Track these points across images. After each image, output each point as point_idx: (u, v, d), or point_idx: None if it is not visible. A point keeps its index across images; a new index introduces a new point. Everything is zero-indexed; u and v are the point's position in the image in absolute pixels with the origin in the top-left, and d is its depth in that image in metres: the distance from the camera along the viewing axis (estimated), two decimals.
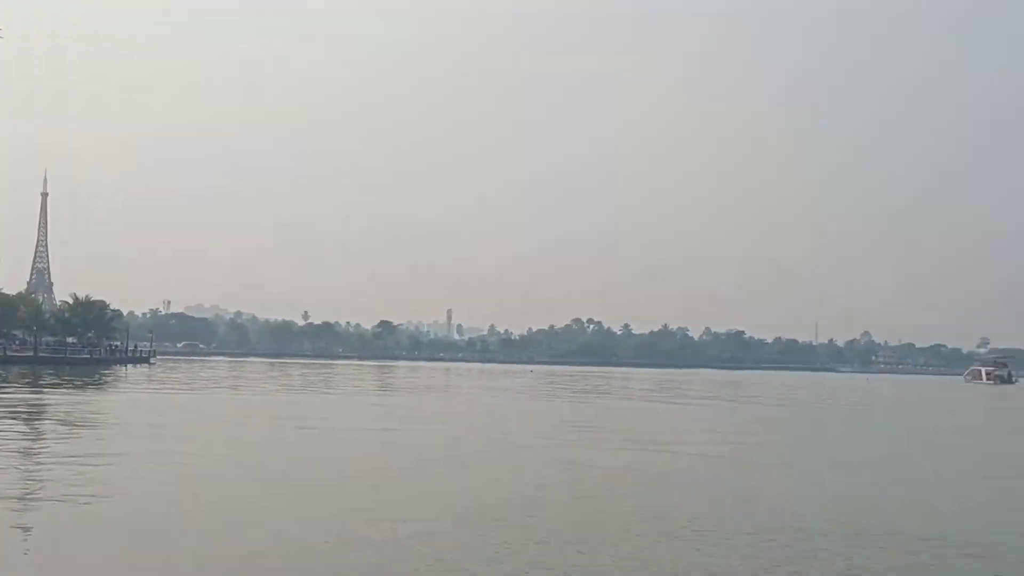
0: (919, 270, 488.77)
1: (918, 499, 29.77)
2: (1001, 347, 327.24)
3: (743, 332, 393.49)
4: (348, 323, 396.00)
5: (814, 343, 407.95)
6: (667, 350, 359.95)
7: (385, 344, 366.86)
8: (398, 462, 36.26)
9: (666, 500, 27.73)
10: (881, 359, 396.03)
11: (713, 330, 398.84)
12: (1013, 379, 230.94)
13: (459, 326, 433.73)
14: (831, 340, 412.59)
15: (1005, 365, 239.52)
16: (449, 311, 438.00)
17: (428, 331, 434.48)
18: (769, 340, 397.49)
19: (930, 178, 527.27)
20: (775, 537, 22.34)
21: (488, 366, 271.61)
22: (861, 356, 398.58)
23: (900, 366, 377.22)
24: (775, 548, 21.17)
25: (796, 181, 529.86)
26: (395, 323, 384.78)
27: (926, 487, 33.27)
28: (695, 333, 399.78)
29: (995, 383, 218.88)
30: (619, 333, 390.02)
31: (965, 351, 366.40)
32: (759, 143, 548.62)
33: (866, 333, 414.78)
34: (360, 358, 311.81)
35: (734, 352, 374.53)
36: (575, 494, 28.45)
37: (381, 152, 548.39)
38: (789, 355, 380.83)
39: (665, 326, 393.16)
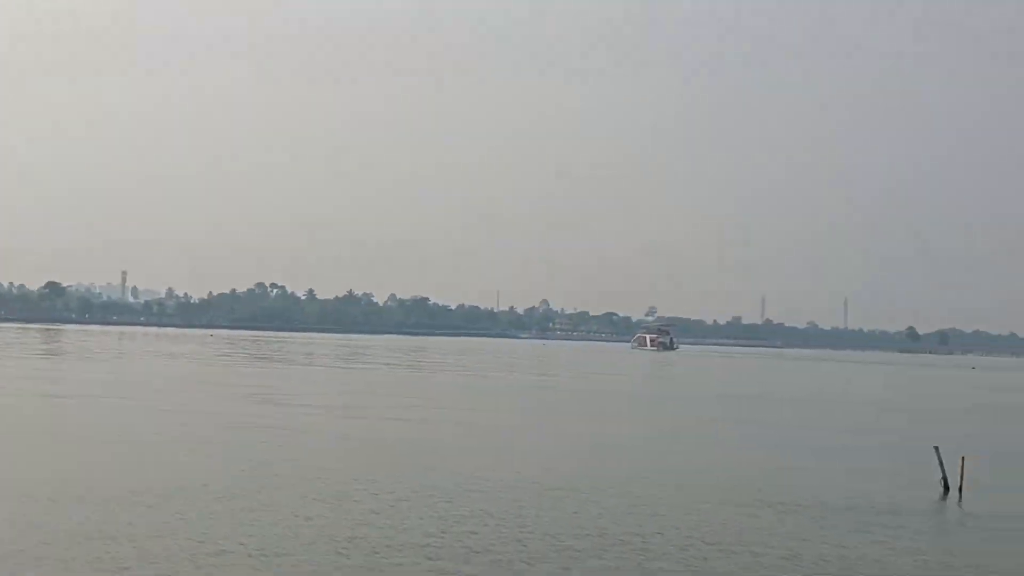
0: (595, 242, 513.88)
1: (591, 462, 31.24)
2: (667, 316, 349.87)
3: (428, 299, 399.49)
4: (11, 284, 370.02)
5: (496, 310, 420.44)
6: (352, 316, 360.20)
7: (53, 306, 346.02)
8: (55, 431, 34.34)
9: (342, 463, 27.72)
10: (558, 326, 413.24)
11: (398, 296, 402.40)
12: (675, 345, 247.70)
13: (134, 288, 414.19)
14: (512, 307, 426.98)
15: (667, 332, 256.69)
16: (124, 273, 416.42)
17: (101, 293, 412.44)
18: (453, 307, 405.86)
19: (607, 153, 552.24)
20: (443, 490, 22.89)
21: (166, 331, 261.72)
22: (540, 323, 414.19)
23: (575, 333, 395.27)
24: (432, 500, 21.67)
25: (476, 144, 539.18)
26: (64, 284, 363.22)
27: (588, 448, 35.05)
28: (380, 299, 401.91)
29: (658, 349, 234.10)
30: (303, 298, 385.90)
31: (635, 319, 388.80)
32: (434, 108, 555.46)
33: (544, 301, 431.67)
34: (25, 321, 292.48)
35: (419, 318, 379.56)
36: (249, 460, 28.00)
37: (51, 107, 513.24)
38: (472, 321, 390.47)
39: (350, 292, 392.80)
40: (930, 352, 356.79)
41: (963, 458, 27.01)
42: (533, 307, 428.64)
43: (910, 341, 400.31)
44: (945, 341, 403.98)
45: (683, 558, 18.28)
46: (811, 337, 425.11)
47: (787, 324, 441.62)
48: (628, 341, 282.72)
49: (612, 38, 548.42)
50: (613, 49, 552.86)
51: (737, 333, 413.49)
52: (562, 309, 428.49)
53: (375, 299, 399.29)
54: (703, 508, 23.36)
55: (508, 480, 26.06)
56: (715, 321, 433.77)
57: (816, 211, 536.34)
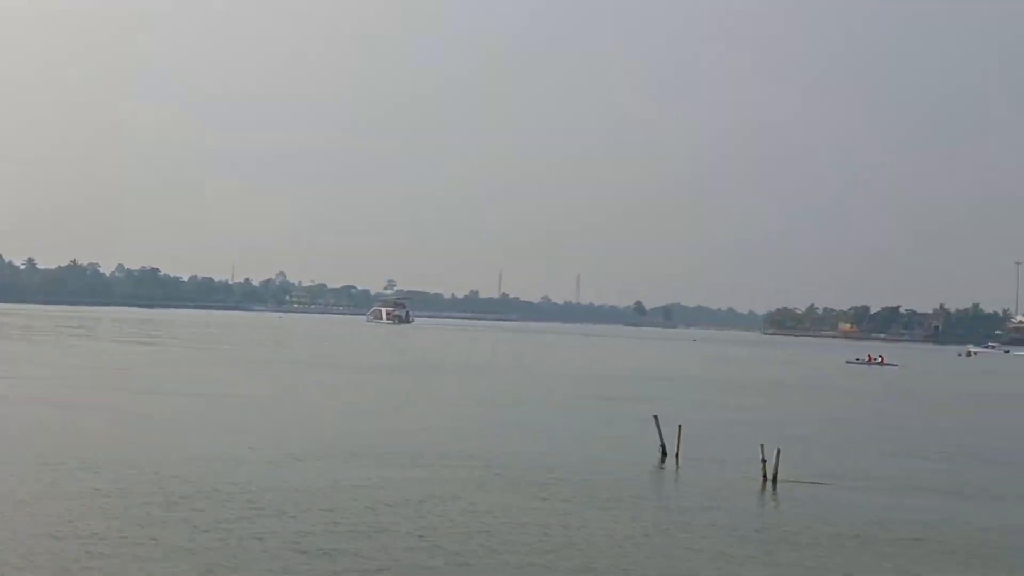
0: (332, 213, 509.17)
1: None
2: (406, 289, 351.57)
3: (158, 269, 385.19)
4: None
5: (231, 282, 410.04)
6: (77, 287, 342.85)
7: None
8: None
9: (61, 442, 26.54)
10: (295, 299, 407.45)
11: (127, 267, 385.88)
12: (410, 318, 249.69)
13: None
14: (247, 279, 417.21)
15: (403, 306, 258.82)
16: None
17: None
18: (185, 278, 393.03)
19: (342, 126, 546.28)
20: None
21: None
22: (276, 295, 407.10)
23: (313, 305, 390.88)
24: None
25: (192, 107, 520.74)
26: None
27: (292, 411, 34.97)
28: (107, 269, 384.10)
29: (394, 322, 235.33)
30: (22, 268, 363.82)
31: (373, 292, 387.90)
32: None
33: (281, 273, 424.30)
34: None
35: (150, 290, 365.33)
36: None
37: None
38: (205, 293, 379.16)
39: (75, 261, 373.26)
40: (656, 326, 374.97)
41: (680, 426, 28.56)
42: (270, 279, 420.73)
43: (637, 315, 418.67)
44: (669, 315, 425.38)
45: (413, 529, 18.49)
46: (546, 311, 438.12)
47: (523, 298, 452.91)
48: (364, 314, 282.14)
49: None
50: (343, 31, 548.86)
51: (475, 307, 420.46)
52: (299, 282, 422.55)
53: (101, 269, 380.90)
54: (433, 480, 23.69)
55: (213, 452, 25.62)
56: (453, 295, 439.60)
57: (551, 190, 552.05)
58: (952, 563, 17.97)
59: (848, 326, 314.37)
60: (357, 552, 16.72)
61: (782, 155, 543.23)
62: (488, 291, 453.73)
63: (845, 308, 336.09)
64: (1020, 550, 19.20)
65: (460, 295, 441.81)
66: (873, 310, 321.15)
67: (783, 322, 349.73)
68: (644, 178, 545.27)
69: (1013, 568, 17.82)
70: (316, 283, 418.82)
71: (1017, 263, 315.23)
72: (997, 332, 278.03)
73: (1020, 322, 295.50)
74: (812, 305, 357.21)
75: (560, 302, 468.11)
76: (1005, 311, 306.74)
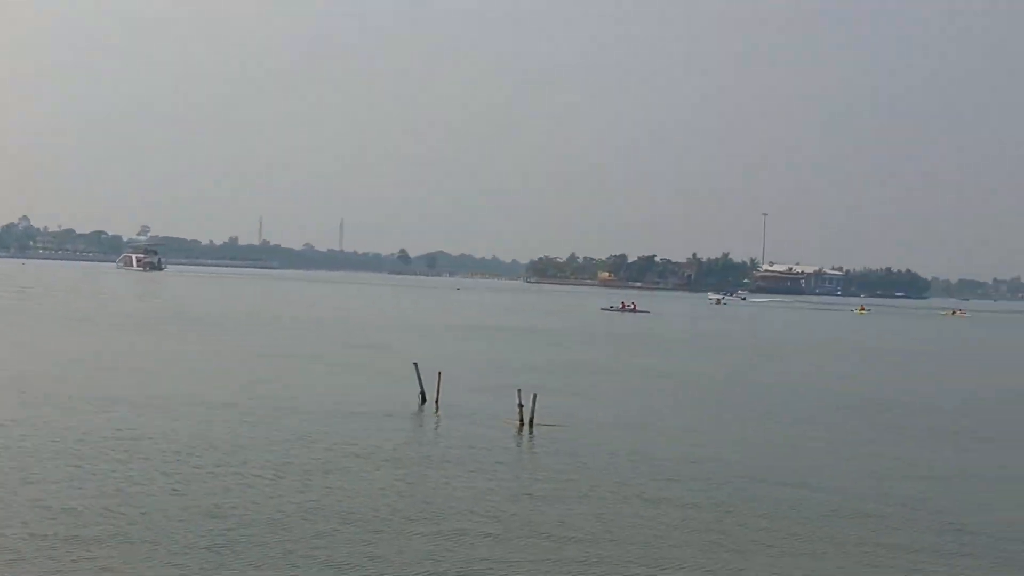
0: (83, 154, 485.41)
1: None
2: (161, 235, 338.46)
3: None
4: None
5: None
6: None
7: None
8: None
9: None
10: (41, 245, 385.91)
11: None
12: (162, 266, 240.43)
13: None
14: None
15: (155, 252, 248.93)
16: None
17: None
18: None
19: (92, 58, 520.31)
20: None
21: None
22: (20, 241, 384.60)
23: (60, 252, 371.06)
24: None
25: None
26: None
27: None
28: None
29: (145, 269, 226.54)
30: None
31: (125, 239, 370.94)
32: None
33: (24, 218, 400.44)
34: None
35: None
36: None
37: None
38: None
39: None
40: (420, 274, 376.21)
41: (440, 373, 28.99)
42: (12, 224, 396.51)
43: (402, 263, 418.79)
44: (434, 264, 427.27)
45: (167, 483, 18.00)
46: (309, 259, 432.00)
47: (284, 246, 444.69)
48: (115, 261, 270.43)
49: None
50: None
51: (234, 254, 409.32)
52: (45, 227, 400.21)
53: None
54: (187, 431, 23.11)
55: None
56: (211, 241, 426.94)
57: (312, 134, 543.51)
58: (694, 491, 18.96)
59: (607, 275, 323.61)
60: (107, 508, 16.09)
61: (546, 109, 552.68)
62: (248, 238, 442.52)
63: (604, 257, 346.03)
64: (750, 481, 20.46)
65: (218, 242, 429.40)
66: (630, 259, 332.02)
67: (545, 270, 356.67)
68: (407, 125, 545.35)
69: (752, 503, 18.93)
70: (64, 228, 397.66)
71: (764, 215, 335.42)
72: (745, 281, 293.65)
73: (766, 271, 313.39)
74: (573, 254, 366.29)
75: (323, 249, 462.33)
76: (752, 260, 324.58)
